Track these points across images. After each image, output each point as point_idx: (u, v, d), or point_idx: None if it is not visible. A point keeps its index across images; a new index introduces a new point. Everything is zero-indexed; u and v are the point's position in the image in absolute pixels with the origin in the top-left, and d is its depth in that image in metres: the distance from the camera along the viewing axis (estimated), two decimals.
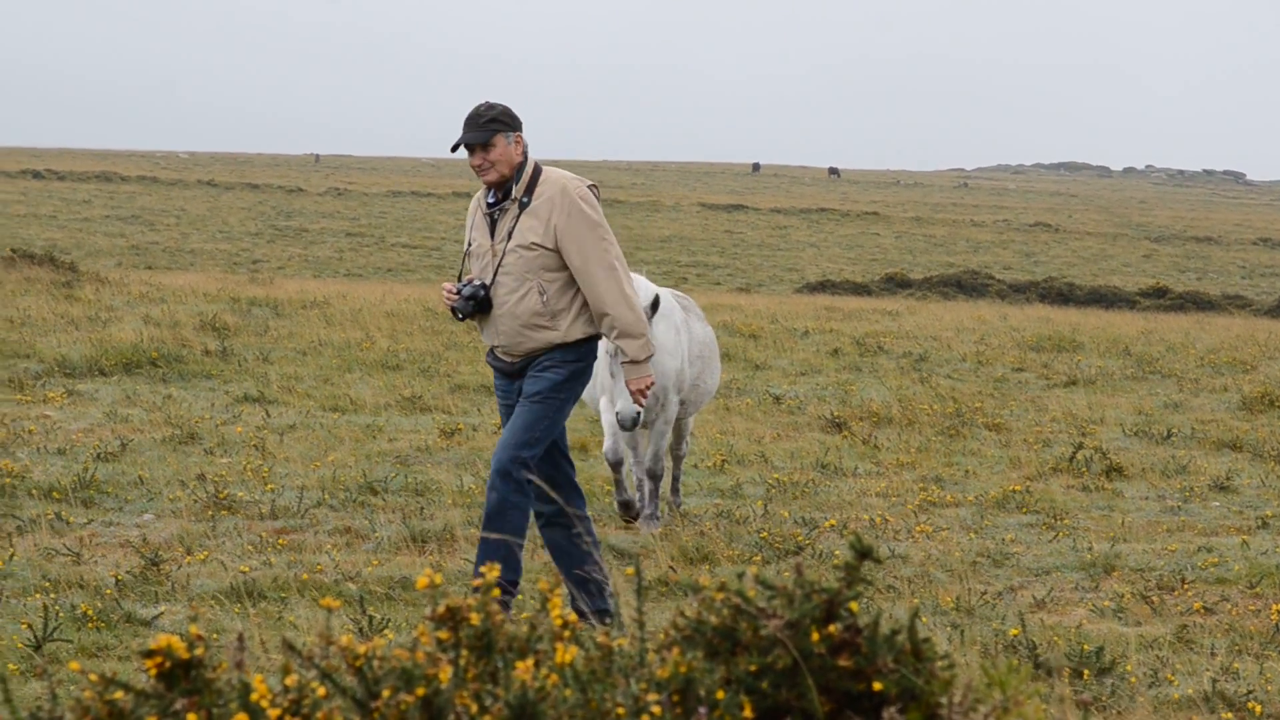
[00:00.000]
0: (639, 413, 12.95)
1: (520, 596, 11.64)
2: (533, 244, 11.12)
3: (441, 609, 4.21)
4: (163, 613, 10.96)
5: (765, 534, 14.00)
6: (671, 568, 12.67)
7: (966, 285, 56.27)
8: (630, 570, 9.11)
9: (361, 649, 4.15)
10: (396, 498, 15.30)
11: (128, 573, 11.93)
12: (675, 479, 15.91)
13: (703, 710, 4.10)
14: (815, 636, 4.35)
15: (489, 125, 11.14)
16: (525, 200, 11.20)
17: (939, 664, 4.48)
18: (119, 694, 4.05)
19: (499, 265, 11.23)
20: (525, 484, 11.03)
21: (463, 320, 11.42)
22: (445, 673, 4.03)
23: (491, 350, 11.51)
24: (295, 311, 30.01)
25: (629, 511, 14.75)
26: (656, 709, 4.08)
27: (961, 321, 36.02)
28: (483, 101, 11.32)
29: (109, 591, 11.46)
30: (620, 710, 4.06)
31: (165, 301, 30.38)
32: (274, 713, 3.92)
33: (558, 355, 11.25)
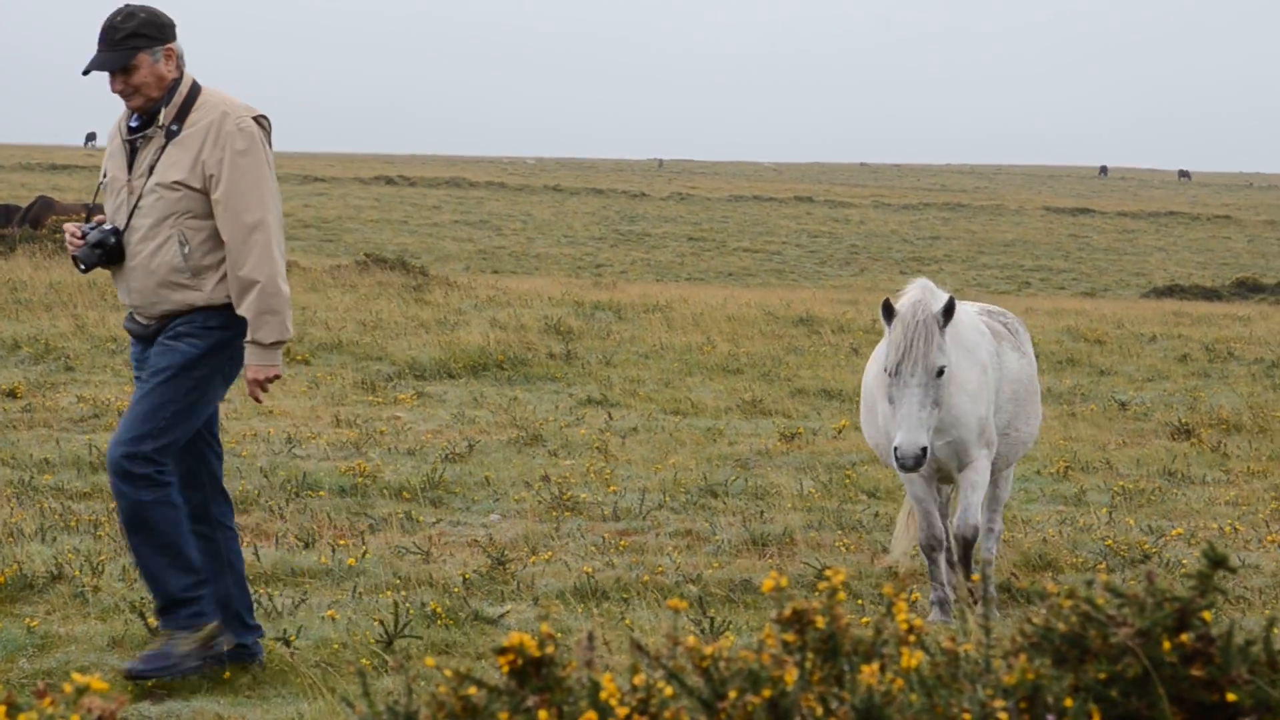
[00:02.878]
0: (923, 449, 10.78)
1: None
2: (175, 182, 9.00)
3: (787, 612, 4.21)
4: (509, 611, 11.08)
5: (1110, 542, 13.76)
6: (1014, 575, 12.51)
7: None
8: (976, 577, 9.08)
9: (708, 650, 4.17)
10: (737, 501, 15.33)
11: (475, 571, 12.10)
12: (987, 562, 12.25)
13: (1050, 718, 4.06)
14: (1167, 645, 4.28)
15: (128, 42, 8.96)
16: (174, 129, 9.06)
17: None
18: (472, 690, 4.12)
19: (135, 206, 9.14)
20: (156, 474, 9.06)
21: (86, 272, 9.44)
22: (791, 675, 4.04)
23: (130, 313, 9.44)
24: (637, 315, 30.25)
25: (945, 612, 11.43)
26: (1003, 715, 4.05)
27: None
28: (121, 8, 9.10)
29: (457, 590, 11.63)
30: (966, 716, 4.04)
31: (511, 305, 30.81)
32: (622, 711, 3.96)
33: (198, 321, 9.13)
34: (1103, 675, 4.31)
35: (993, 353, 11.97)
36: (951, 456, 11.61)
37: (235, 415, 18.80)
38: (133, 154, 9.19)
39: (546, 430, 18.65)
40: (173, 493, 9.20)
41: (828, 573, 4.39)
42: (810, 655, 4.17)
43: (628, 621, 10.89)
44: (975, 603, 12.05)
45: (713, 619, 10.85)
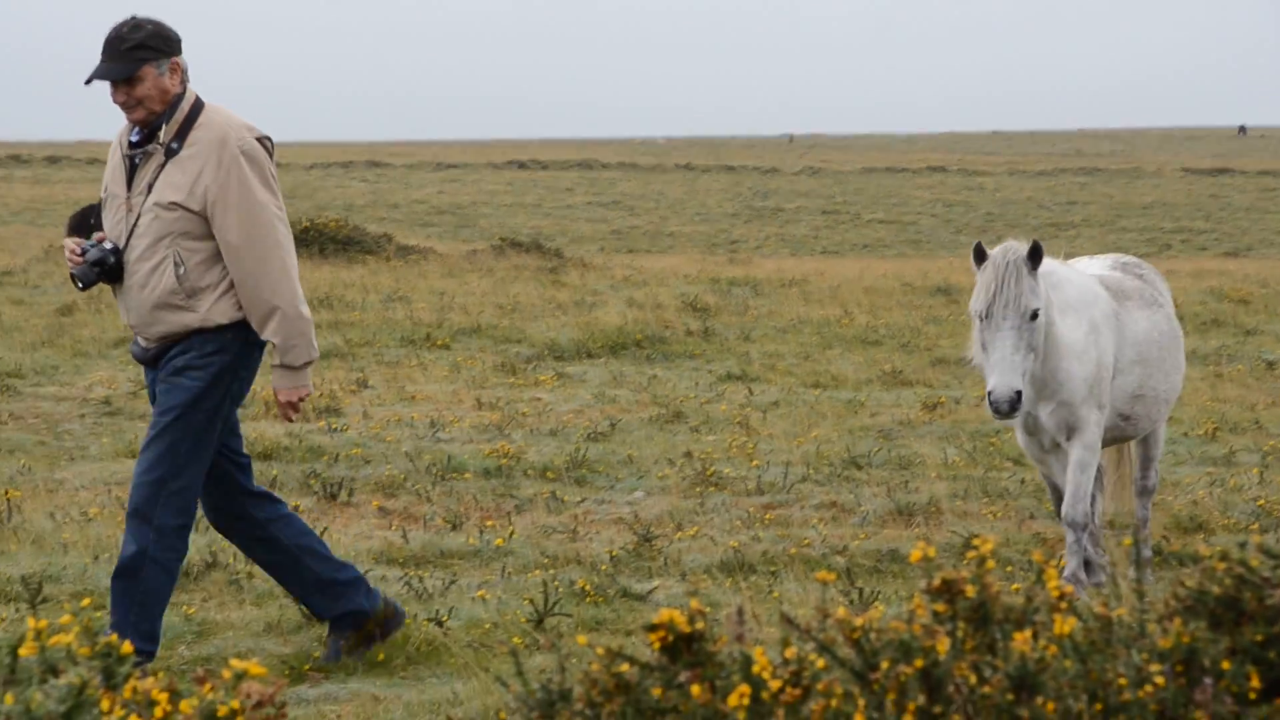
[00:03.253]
0: (1017, 392, 10.25)
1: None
2: (172, 203, 8.75)
3: (937, 581, 4.21)
4: (657, 587, 11.11)
5: (1262, 502, 13.62)
6: (1165, 538, 12.42)
7: None
8: (1128, 541, 8.99)
9: (858, 621, 4.17)
10: (880, 472, 15.29)
11: (622, 549, 12.13)
12: (1142, 524, 12.19)
13: (1208, 681, 4.03)
14: None
15: (134, 53, 8.74)
16: (175, 146, 8.82)
17: None
18: (625, 667, 4.13)
19: (134, 225, 8.87)
20: (174, 531, 8.95)
21: (84, 290, 9.07)
22: (943, 644, 4.03)
23: (135, 337, 9.24)
24: (774, 290, 30.22)
25: (1094, 576, 11.13)
26: (1160, 679, 4.03)
27: None
28: (128, 18, 8.91)
29: (604, 567, 11.67)
30: (1122, 681, 4.02)
31: (647, 284, 30.83)
32: (775, 684, 3.97)
33: (194, 348, 8.90)
34: (1259, 637, 4.28)
35: (1108, 314, 11.34)
36: (1060, 425, 11.02)
37: (379, 402, 18.94)
38: (132, 170, 8.95)
39: (687, 407, 18.66)
40: (178, 554, 9.12)
41: (976, 541, 4.38)
42: (961, 624, 4.17)
43: (775, 595, 10.90)
44: (1147, 562, 11.79)
45: (861, 590, 10.85)
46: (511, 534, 12.59)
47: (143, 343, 9.04)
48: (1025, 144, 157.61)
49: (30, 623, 4.06)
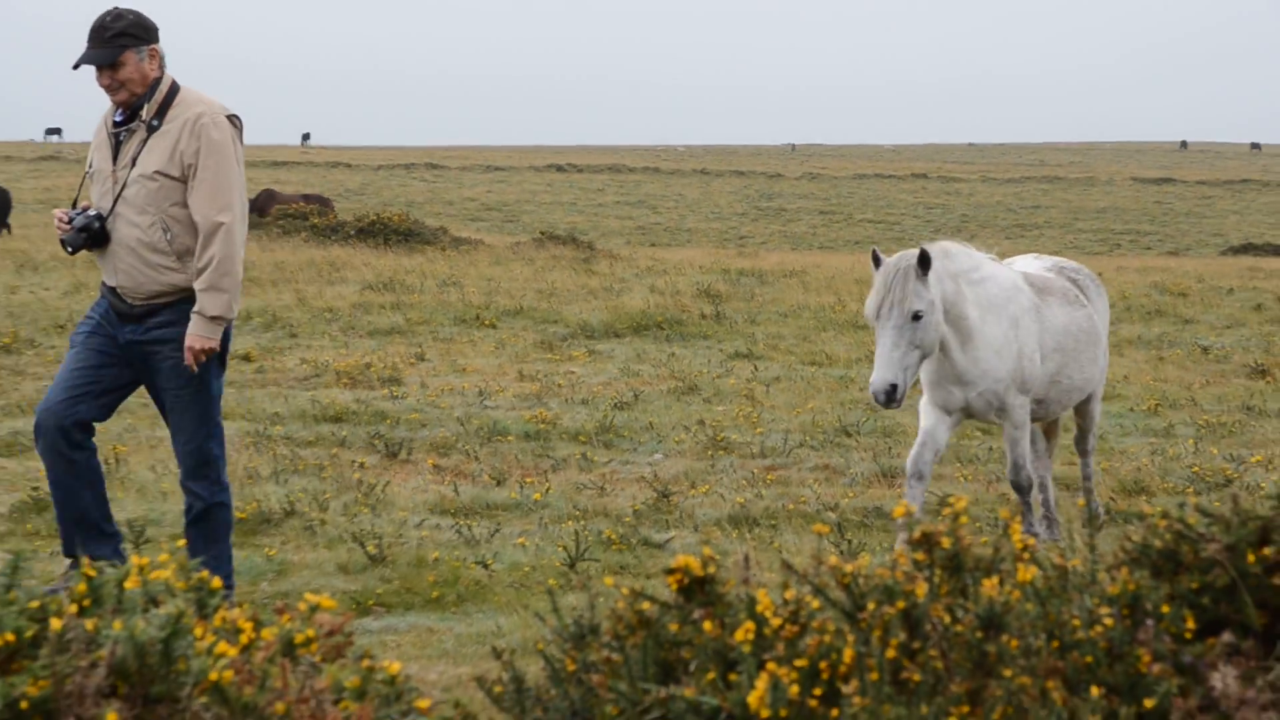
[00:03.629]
0: (892, 385, 9.95)
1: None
2: (156, 173, 8.57)
3: (917, 534, 4.22)
4: (673, 537, 11.12)
5: (1196, 469, 13.61)
6: (1112, 499, 12.42)
7: None
8: (1081, 502, 9.01)
9: (848, 568, 4.18)
10: (868, 439, 15.29)
11: (643, 503, 12.15)
12: (1085, 479, 12.21)
13: (1149, 622, 4.04)
14: (1251, 558, 4.26)
15: (116, 40, 8.58)
16: (155, 123, 8.64)
17: None
18: (646, 605, 4.15)
19: (119, 194, 8.67)
20: (222, 472, 8.90)
21: (73, 254, 8.88)
22: (921, 589, 4.04)
23: (111, 289, 8.85)
24: (777, 280, 30.19)
25: (1053, 531, 11.32)
26: (1108, 621, 4.04)
27: None
28: (109, 9, 8.73)
29: (628, 519, 11.69)
30: (1076, 622, 4.03)
31: (667, 273, 30.84)
32: (776, 621, 3.98)
33: (187, 313, 8.63)
34: (1195, 585, 4.29)
35: (1029, 308, 10.98)
36: (986, 406, 10.79)
37: (434, 373, 18.96)
38: (117, 146, 8.71)
39: (701, 381, 18.66)
40: (230, 495, 8.97)
41: (950, 499, 4.39)
42: (938, 571, 4.18)
43: (776, 545, 10.90)
44: (1097, 512, 11.68)
45: (850, 541, 10.85)
46: (548, 489, 12.61)
47: (129, 301, 8.68)
48: (996, 154, 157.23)
49: (134, 560, 4.08)
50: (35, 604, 3.71)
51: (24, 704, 3.44)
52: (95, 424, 8.84)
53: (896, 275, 10.21)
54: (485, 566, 10.05)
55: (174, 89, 8.72)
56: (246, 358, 19.59)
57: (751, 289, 28.52)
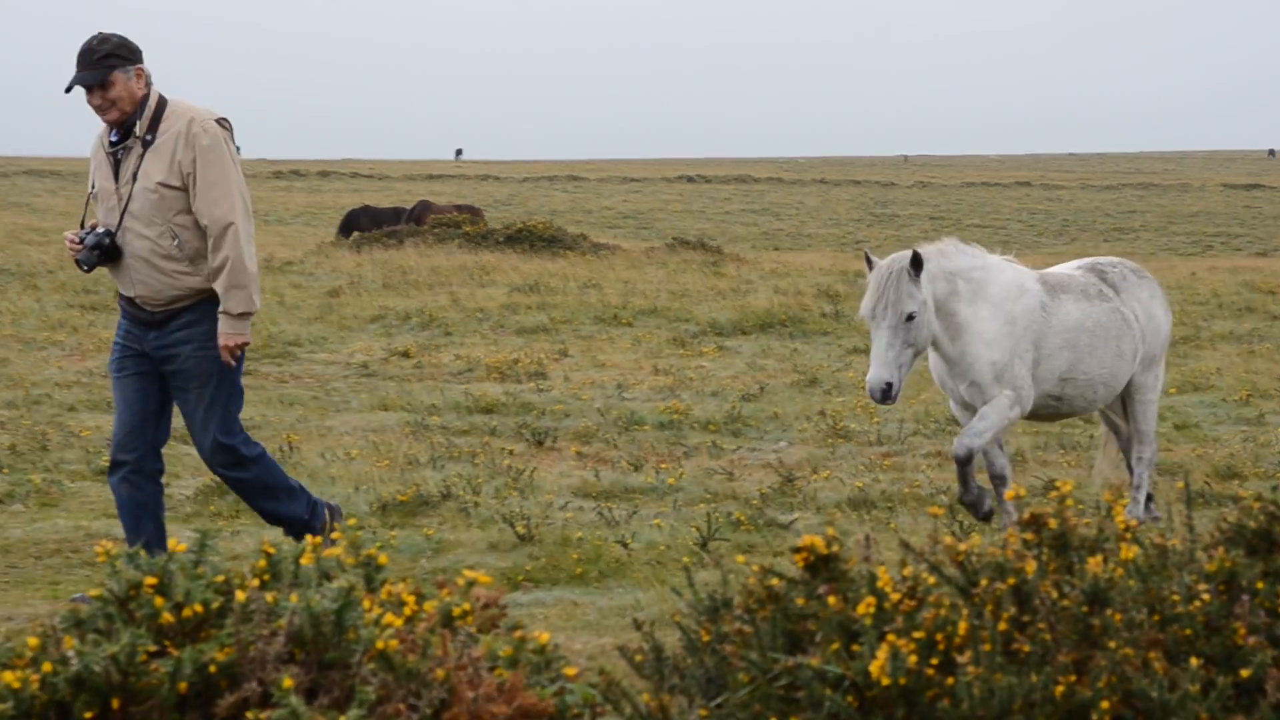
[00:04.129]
0: (887, 384, 9.70)
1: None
2: (159, 185, 8.36)
3: (1026, 515, 4.18)
4: (797, 518, 11.09)
5: None
6: (1207, 483, 12.24)
7: None
8: (1180, 484, 8.86)
9: (962, 547, 4.15)
10: None
11: (769, 487, 12.12)
12: (1134, 489, 11.20)
13: (1245, 598, 3.99)
14: None
15: (104, 62, 8.36)
16: (149, 138, 8.42)
17: None
18: (775, 581, 4.14)
19: (125, 209, 8.43)
20: (255, 453, 8.74)
21: (89, 272, 8.66)
22: (1031, 566, 4.01)
23: (129, 298, 8.65)
24: None
25: (977, 512, 10.41)
26: (1206, 596, 3.99)
27: None
28: (95, 34, 8.50)
29: (755, 502, 11.66)
30: (1175, 597, 3.99)
31: (789, 275, 30.75)
32: (895, 596, 3.96)
33: (206, 315, 8.52)
34: None
35: (1032, 307, 10.31)
36: (976, 396, 10.28)
37: (577, 368, 19.02)
38: (116, 165, 8.48)
39: (821, 374, 18.60)
40: (263, 451, 8.88)
41: (1057, 483, 4.35)
42: (1045, 550, 4.14)
43: (893, 526, 10.84)
44: (1154, 519, 10.89)
45: (962, 523, 10.77)
46: (681, 474, 12.61)
47: (149, 309, 8.52)
48: (1095, 163, 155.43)
49: (309, 539, 4.12)
50: (220, 578, 3.75)
51: (212, 668, 3.49)
52: (164, 447, 8.84)
53: (890, 278, 9.84)
54: (624, 545, 10.06)
55: (162, 103, 8.50)
56: (405, 354, 19.75)
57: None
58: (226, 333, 8.44)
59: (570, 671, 3.81)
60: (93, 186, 8.65)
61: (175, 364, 8.57)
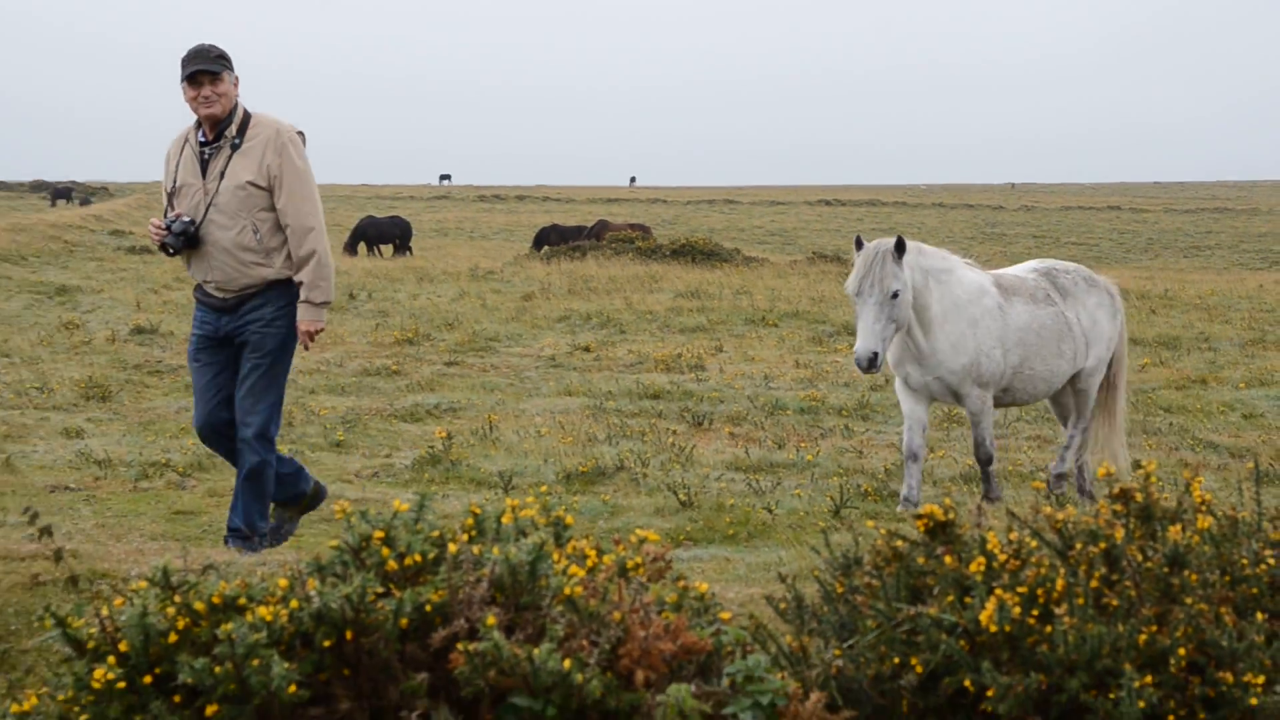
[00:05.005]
0: (874, 353, 9.14)
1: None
2: (246, 184, 8.09)
3: (1116, 490, 4.12)
4: None
5: None
6: (1272, 464, 11.96)
7: None
8: (1250, 465, 8.63)
9: (1060, 516, 4.10)
10: None
11: (892, 464, 12.04)
12: (1063, 449, 11.03)
13: None
14: None
15: (219, 60, 8.13)
16: (237, 142, 8.16)
17: None
18: (899, 542, 4.12)
19: (210, 203, 8.13)
20: (273, 459, 8.31)
21: (174, 255, 8.25)
22: (1119, 533, 3.95)
23: (200, 285, 8.37)
24: None
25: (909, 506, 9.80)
26: (1271, 560, 3.91)
27: None
28: (203, 43, 8.22)
29: (880, 476, 11.60)
30: (1244, 560, 3.91)
31: None
32: (1002, 557, 3.92)
33: (273, 300, 8.24)
34: None
35: (991, 308, 9.85)
36: (944, 391, 9.82)
37: (730, 362, 19.00)
38: (205, 163, 8.16)
39: None
40: (274, 456, 8.39)
41: (1143, 463, 4.28)
42: (1132, 520, 4.08)
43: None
44: (1078, 487, 10.77)
45: (1057, 497, 10.63)
46: (818, 452, 12.58)
47: (220, 295, 8.23)
48: (1176, 190, 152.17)
49: (507, 502, 4.16)
50: (435, 534, 3.81)
51: (428, 608, 3.54)
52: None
53: (876, 257, 9.34)
54: (769, 511, 10.05)
55: (248, 113, 8.26)
56: (587, 349, 19.85)
57: None
58: (308, 319, 8.21)
59: (725, 616, 3.82)
60: (175, 181, 8.27)
61: (243, 338, 8.25)
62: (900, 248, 9.41)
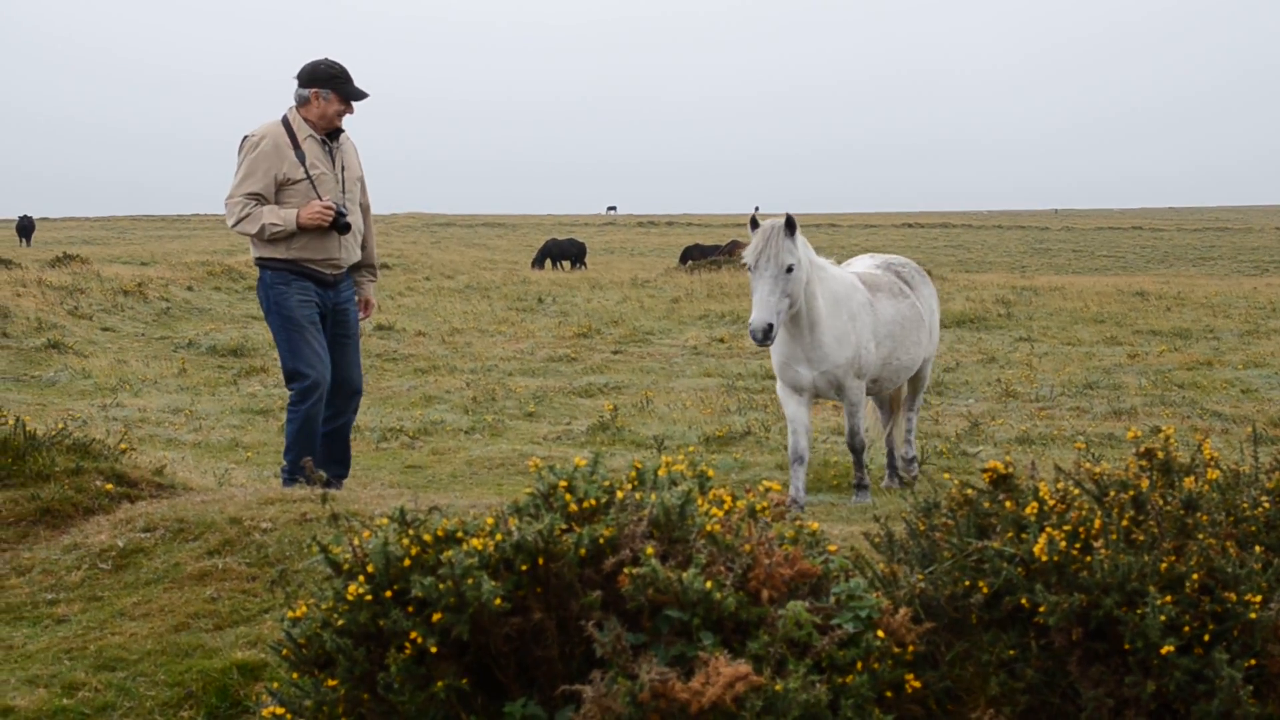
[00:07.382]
0: (769, 324, 7.71)
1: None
2: (359, 178, 7.55)
3: (1142, 449, 4.01)
4: (980, 450, 10.83)
5: None
6: (1264, 429, 11.56)
7: None
8: (1249, 430, 8.33)
9: (1096, 470, 4.00)
10: (1103, 391, 14.57)
11: (961, 430, 11.86)
12: (907, 433, 9.64)
13: None
14: None
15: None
16: (340, 142, 7.47)
17: None
18: (969, 491, 4.05)
19: (345, 192, 7.46)
20: None
21: (347, 233, 7.41)
22: (1144, 483, 3.85)
23: (304, 263, 7.37)
24: (1045, 293, 28.93)
25: (797, 506, 8.21)
26: (1266, 504, 3.78)
27: None
28: (330, 61, 7.37)
29: (952, 438, 11.42)
30: (1244, 504, 3.79)
31: (976, 289, 29.86)
32: (1051, 502, 3.84)
33: (351, 277, 7.66)
34: None
35: (864, 303, 8.51)
36: (827, 386, 8.37)
37: None
38: (332, 156, 7.42)
39: (997, 355, 18.09)
40: None
41: (1163, 429, 4.16)
42: (1155, 473, 3.96)
43: (1048, 456, 10.52)
44: (912, 461, 9.60)
45: (1094, 454, 10.35)
46: None
47: (334, 274, 7.46)
48: (1186, 214, 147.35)
49: (662, 459, 4.16)
50: (607, 483, 3.82)
51: (601, 540, 3.56)
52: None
53: (772, 233, 7.92)
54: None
55: None
56: (721, 340, 19.82)
57: (1030, 298, 27.42)
58: (374, 294, 7.77)
59: (831, 548, 3.79)
60: (313, 168, 7.35)
61: (340, 315, 7.58)
62: (790, 225, 7.96)
